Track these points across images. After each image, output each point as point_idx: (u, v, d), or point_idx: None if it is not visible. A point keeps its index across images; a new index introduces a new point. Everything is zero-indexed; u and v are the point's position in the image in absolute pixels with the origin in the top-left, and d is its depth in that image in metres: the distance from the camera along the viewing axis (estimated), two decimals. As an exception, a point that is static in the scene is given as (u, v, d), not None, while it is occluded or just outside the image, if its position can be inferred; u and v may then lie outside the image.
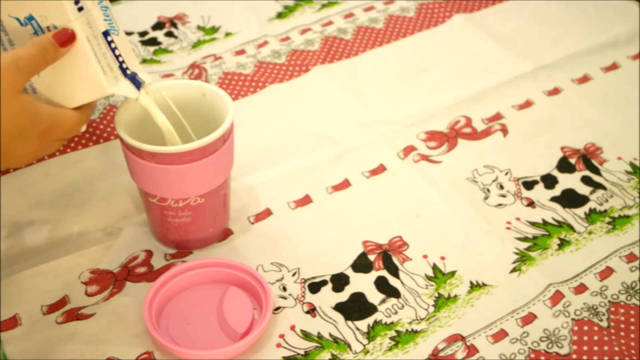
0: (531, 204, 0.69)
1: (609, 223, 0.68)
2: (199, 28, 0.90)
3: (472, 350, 0.58)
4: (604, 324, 0.60)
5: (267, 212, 0.68)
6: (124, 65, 0.57)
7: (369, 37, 0.89)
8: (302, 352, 0.58)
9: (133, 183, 0.62)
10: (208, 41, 0.88)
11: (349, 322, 0.60)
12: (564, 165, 0.73)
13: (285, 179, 0.71)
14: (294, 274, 0.63)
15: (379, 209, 0.69)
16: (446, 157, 0.74)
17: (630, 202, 0.70)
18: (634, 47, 0.88)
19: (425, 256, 0.65)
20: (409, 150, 0.74)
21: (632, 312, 0.61)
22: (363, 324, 0.60)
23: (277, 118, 0.78)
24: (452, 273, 0.63)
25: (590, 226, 0.67)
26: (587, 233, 0.67)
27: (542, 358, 0.57)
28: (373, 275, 0.63)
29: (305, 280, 0.63)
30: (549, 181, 0.72)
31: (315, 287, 0.62)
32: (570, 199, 0.70)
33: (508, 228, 0.67)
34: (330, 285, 0.63)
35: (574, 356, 0.58)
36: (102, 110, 0.78)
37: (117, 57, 0.56)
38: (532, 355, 0.58)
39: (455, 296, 0.62)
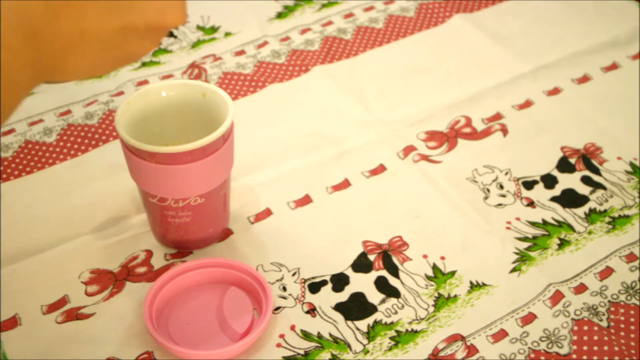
0: (531, 203, 0.69)
1: (608, 223, 0.68)
2: (199, 28, 0.90)
3: (472, 350, 0.58)
4: (604, 324, 0.60)
5: (267, 212, 0.68)
6: None
7: (369, 37, 0.89)
8: (302, 352, 0.58)
9: (133, 183, 0.62)
10: (207, 41, 0.88)
11: (349, 322, 0.60)
12: (564, 165, 0.73)
13: (285, 179, 0.71)
14: (294, 274, 0.63)
15: (379, 209, 0.69)
16: (446, 157, 0.74)
17: (630, 202, 0.70)
18: (634, 47, 0.88)
19: (425, 256, 0.65)
20: (408, 150, 0.74)
21: (632, 312, 0.61)
22: (363, 324, 0.60)
23: (277, 118, 0.78)
24: (452, 273, 0.63)
25: (590, 226, 0.67)
26: (587, 233, 0.67)
27: (542, 358, 0.57)
28: (373, 275, 0.63)
29: (305, 280, 0.63)
30: (549, 181, 0.72)
31: (315, 287, 0.62)
32: (570, 199, 0.70)
33: (508, 228, 0.67)
34: (330, 285, 0.63)
35: (574, 356, 0.58)
36: (101, 115, 0.78)
37: None
38: (532, 355, 0.58)
39: (455, 296, 0.62)
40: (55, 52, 0.42)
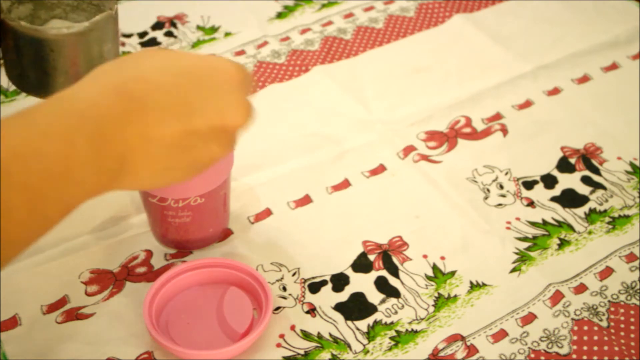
0: (531, 203, 0.69)
1: (608, 223, 0.68)
2: (199, 28, 0.90)
3: (472, 350, 0.58)
4: (604, 323, 0.60)
5: (267, 212, 0.68)
6: None
7: (369, 37, 0.89)
8: (302, 352, 0.58)
9: (133, 183, 0.62)
10: (207, 41, 0.88)
11: (349, 322, 0.60)
12: (564, 165, 0.73)
13: (285, 179, 0.71)
14: (294, 274, 0.63)
15: (379, 209, 0.69)
16: (446, 157, 0.74)
17: (630, 202, 0.70)
18: (634, 47, 0.88)
19: (425, 256, 0.65)
20: (408, 150, 0.74)
21: (632, 312, 0.61)
22: (363, 324, 0.60)
23: (277, 118, 0.78)
24: (452, 273, 0.63)
25: (590, 226, 0.67)
26: (587, 233, 0.67)
27: (542, 358, 0.57)
28: (373, 275, 0.63)
29: (305, 280, 0.63)
30: (549, 181, 0.72)
31: (315, 287, 0.62)
32: (570, 198, 0.70)
33: (508, 228, 0.67)
34: (330, 285, 0.63)
35: (574, 356, 0.58)
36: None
37: None
38: (532, 355, 0.58)
39: (455, 296, 0.62)
40: (118, 155, 0.42)
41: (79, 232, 0.66)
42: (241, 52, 0.86)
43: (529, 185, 0.71)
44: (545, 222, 0.68)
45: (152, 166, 0.44)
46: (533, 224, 0.67)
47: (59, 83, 0.60)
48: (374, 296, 0.62)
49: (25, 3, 0.63)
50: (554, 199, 0.70)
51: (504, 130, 0.77)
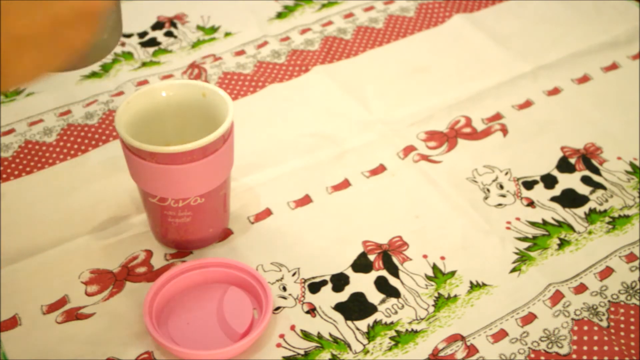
0: (531, 203, 0.69)
1: (608, 223, 0.68)
2: (199, 28, 0.90)
3: (472, 350, 0.58)
4: (604, 324, 0.60)
5: (267, 212, 0.68)
6: None
7: (369, 37, 0.89)
8: (302, 352, 0.58)
9: (133, 183, 0.62)
10: (207, 41, 0.88)
11: (349, 322, 0.60)
12: (564, 165, 0.73)
13: (285, 179, 0.71)
14: (294, 274, 0.63)
15: (379, 209, 0.69)
16: (446, 157, 0.74)
17: (630, 202, 0.70)
18: (634, 47, 0.88)
19: (425, 256, 0.65)
20: (409, 150, 0.74)
21: (632, 312, 0.61)
22: (363, 324, 0.60)
23: (277, 118, 0.78)
24: (452, 273, 0.63)
25: (590, 226, 0.67)
26: (587, 233, 0.67)
27: (542, 358, 0.57)
28: (373, 275, 0.63)
29: (305, 280, 0.63)
30: (549, 181, 0.72)
31: (315, 287, 0.62)
32: (570, 198, 0.70)
33: (508, 228, 0.67)
34: (330, 285, 0.63)
35: (574, 356, 0.58)
36: (101, 115, 0.78)
37: None
38: (532, 355, 0.58)
39: (455, 296, 0.62)
40: None
41: (79, 232, 0.66)
42: (241, 52, 0.86)
43: (529, 185, 0.71)
44: (545, 222, 0.68)
45: (24, 63, 0.41)
46: (533, 224, 0.67)
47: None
48: (374, 296, 0.62)
49: None
50: (554, 199, 0.70)
51: (504, 130, 0.77)
